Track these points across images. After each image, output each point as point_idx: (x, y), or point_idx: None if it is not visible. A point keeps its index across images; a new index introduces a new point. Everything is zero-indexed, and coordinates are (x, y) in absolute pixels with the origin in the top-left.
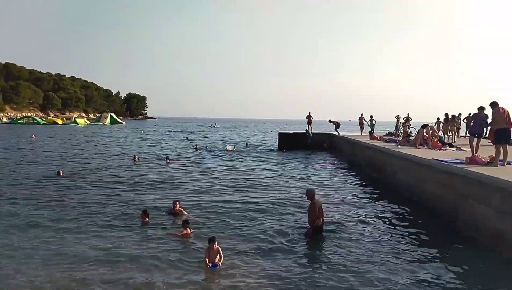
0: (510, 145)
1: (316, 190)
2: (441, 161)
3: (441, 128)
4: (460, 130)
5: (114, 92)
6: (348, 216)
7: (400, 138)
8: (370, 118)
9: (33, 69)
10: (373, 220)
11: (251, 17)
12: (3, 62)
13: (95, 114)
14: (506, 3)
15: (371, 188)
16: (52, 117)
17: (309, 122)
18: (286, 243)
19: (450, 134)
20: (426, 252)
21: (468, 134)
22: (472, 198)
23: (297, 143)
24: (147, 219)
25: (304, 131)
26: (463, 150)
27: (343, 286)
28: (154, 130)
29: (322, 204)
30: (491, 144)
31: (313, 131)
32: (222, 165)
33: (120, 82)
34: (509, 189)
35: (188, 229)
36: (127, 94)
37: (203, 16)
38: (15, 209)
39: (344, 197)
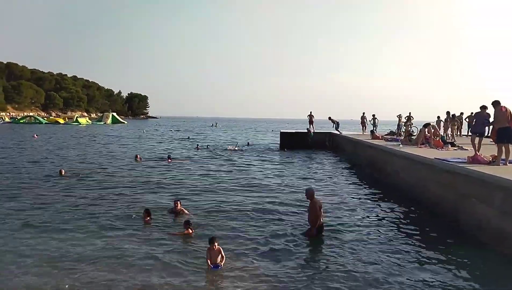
0: None
1: (317, 189)
2: (443, 160)
3: (441, 126)
4: (462, 129)
5: (116, 91)
6: (350, 215)
7: (402, 137)
8: (372, 117)
9: (35, 69)
10: (375, 220)
11: (251, 17)
12: (5, 62)
13: (97, 113)
14: (506, 3)
15: (372, 187)
16: (54, 116)
17: (311, 121)
18: (287, 243)
19: (450, 132)
20: (428, 252)
21: (470, 133)
22: (474, 197)
23: (298, 142)
24: (149, 218)
25: (306, 130)
26: (465, 149)
27: (345, 286)
28: (156, 130)
29: (324, 204)
30: (493, 143)
31: (314, 131)
32: (224, 165)
33: (120, 82)
34: (511, 188)
35: (189, 229)
36: (128, 94)
37: (203, 16)
38: (17, 208)
39: (346, 197)
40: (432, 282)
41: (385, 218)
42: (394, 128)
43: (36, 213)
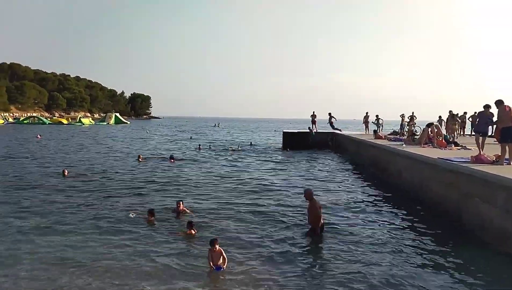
0: None
1: (321, 189)
2: (446, 160)
3: (443, 126)
4: (465, 129)
5: (118, 92)
6: (352, 215)
7: (405, 137)
8: (376, 118)
9: (38, 69)
10: (377, 220)
11: (251, 17)
12: (8, 63)
13: (100, 114)
14: (506, 3)
15: (375, 187)
16: (57, 117)
17: (314, 122)
18: (289, 245)
19: (450, 132)
20: (431, 251)
21: (473, 133)
22: (477, 197)
23: (301, 142)
24: (153, 218)
25: (308, 130)
26: (469, 149)
27: (348, 287)
28: (159, 130)
29: (327, 204)
30: (497, 142)
31: (317, 130)
32: (226, 165)
33: (122, 83)
34: None
35: (192, 230)
36: (131, 94)
37: (203, 15)
38: (20, 209)
39: (349, 196)
40: (434, 282)
41: (388, 218)
42: (397, 128)
43: (39, 213)
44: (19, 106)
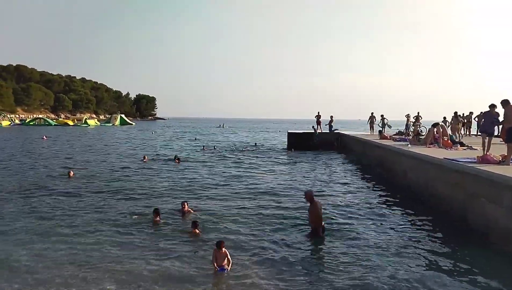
0: None
1: (324, 190)
2: (452, 160)
3: (446, 126)
4: (471, 129)
5: (124, 93)
6: (357, 215)
7: (411, 137)
8: (381, 118)
9: (44, 71)
10: (382, 221)
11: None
12: (14, 64)
13: (105, 115)
14: (506, 3)
15: (381, 187)
16: (63, 118)
17: (318, 122)
18: (293, 247)
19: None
20: (435, 251)
21: (479, 133)
22: (483, 197)
23: (305, 142)
24: (158, 218)
25: (312, 130)
26: (475, 149)
27: (350, 287)
28: (165, 131)
29: (332, 205)
30: (503, 142)
31: (322, 130)
32: (231, 166)
33: (124, 84)
34: None
35: (196, 229)
36: (136, 95)
37: (205, 16)
38: (25, 210)
39: (354, 197)
40: (439, 281)
41: (393, 218)
42: (402, 128)
43: (44, 215)
44: (25, 107)
